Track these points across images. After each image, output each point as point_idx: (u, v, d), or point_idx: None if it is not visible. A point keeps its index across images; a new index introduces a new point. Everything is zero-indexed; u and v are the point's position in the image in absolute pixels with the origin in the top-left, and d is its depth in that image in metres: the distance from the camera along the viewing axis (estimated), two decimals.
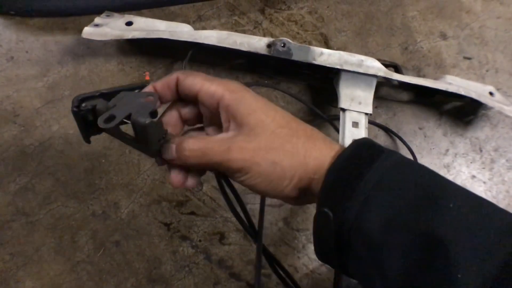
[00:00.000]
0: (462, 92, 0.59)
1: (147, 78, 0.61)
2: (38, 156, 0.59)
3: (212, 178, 0.60)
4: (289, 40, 0.55)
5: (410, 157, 0.63)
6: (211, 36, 0.55)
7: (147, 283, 0.57)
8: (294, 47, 0.55)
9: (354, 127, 0.57)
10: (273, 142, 0.29)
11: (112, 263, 0.57)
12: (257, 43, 0.56)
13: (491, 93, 0.64)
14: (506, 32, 0.73)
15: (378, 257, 0.25)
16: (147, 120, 0.29)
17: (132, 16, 0.59)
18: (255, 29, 0.64)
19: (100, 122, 0.30)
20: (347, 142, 0.55)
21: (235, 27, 0.64)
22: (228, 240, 0.58)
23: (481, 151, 0.68)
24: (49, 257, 0.57)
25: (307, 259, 0.60)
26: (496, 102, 0.62)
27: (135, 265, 0.58)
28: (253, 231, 0.40)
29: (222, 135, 0.31)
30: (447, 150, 0.66)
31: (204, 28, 0.63)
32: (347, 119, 0.58)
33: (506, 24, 0.74)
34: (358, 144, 0.29)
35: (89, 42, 0.62)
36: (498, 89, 0.65)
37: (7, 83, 0.61)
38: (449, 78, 0.61)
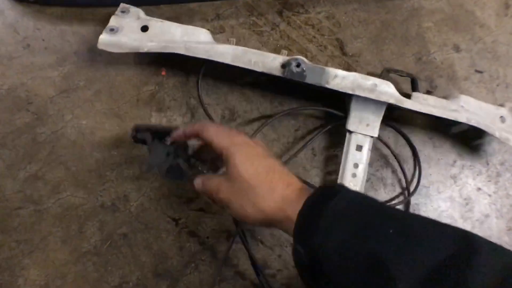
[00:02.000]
0: (472, 122, 0.59)
1: (163, 73, 0.61)
2: (50, 145, 0.59)
3: None
4: (304, 59, 0.55)
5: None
6: (226, 53, 0.55)
7: (152, 277, 0.57)
8: (308, 68, 0.55)
9: (357, 150, 0.59)
10: (243, 190, 0.41)
11: (118, 256, 0.57)
12: (271, 63, 0.55)
13: (502, 117, 0.63)
14: None
15: (338, 279, 0.32)
16: (164, 175, 0.50)
17: (147, 18, 0.58)
18: (272, 31, 0.64)
19: (144, 169, 0.56)
20: (349, 166, 0.58)
21: (253, 28, 0.64)
22: (235, 239, 0.58)
23: (487, 164, 0.68)
24: (55, 246, 0.57)
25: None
26: (504, 132, 0.62)
27: (142, 258, 0.57)
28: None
29: (220, 177, 0.44)
30: (455, 162, 0.66)
31: (222, 28, 0.63)
32: (352, 141, 0.59)
33: None
34: (320, 189, 0.38)
35: None
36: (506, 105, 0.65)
37: (22, 70, 0.61)
38: (463, 99, 0.61)
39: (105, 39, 0.56)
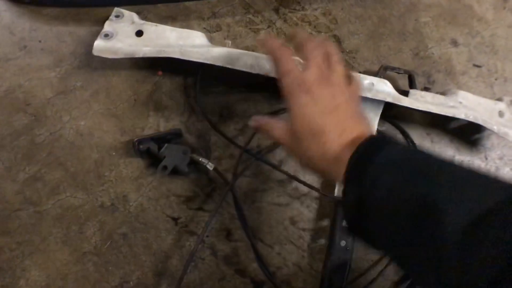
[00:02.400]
0: (470, 118, 0.59)
1: (160, 73, 0.61)
2: (48, 146, 0.59)
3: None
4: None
5: None
6: (222, 56, 0.55)
7: (153, 276, 0.57)
8: None
9: None
10: (300, 149, 0.41)
11: (118, 255, 0.57)
12: (267, 64, 0.55)
13: (500, 112, 0.63)
14: None
15: (386, 222, 0.33)
16: (186, 169, 0.57)
17: (142, 23, 0.58)
18: (269, 28, 0.64)
19: (158, 171, 0.56)
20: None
21: (249, 25, 0.64)
22: (234, 237, 0.58)
23: (486, 159, 0.68)
24: (55, 247, 0.57)
25: (311, 258, 0.60)
26: (503, 126, 0.62)
27: (142, 258, 0.57)
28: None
29: (282, 127, 0.44)
30: (453, 156, 0.66)
31: (218, 26, 0.63)
32: None
33: None
34: (372, 138, 0.38)
35: None
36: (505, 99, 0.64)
37: (19, 72, 0.61)
38: (461, 95, 0.61)
39: (99, 45, 0.56)
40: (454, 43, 0.70)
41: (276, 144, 0.61)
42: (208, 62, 0.54)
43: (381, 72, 0.60)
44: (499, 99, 0.65)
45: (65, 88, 0.61)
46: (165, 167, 0.56)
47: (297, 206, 0.61)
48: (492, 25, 0.72)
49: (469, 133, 0.66)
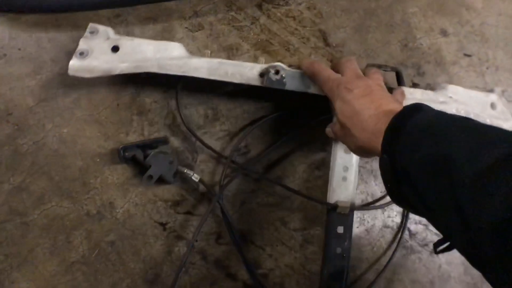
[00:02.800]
0: (462, 113, 0.58)
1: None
2: (32, 155, 0.58)
3: (207, 175, 0.59)
4: (282, 65, 0.53)
5: None
6: (201, 67, 0.53)
7: (142, 283, 0.56)
8: (288, 74, 0.54)
9: (346, 152, 0.57)
10: (347, 134, 0.47)
11: (107, 264, 0.56)
12: (249, 72, 0.54)
13: (492, 104, 0.62)
14: (506, 29, 0.71)
15: (416, 181, 0.36)
16: (172, 179, 0.56)
17: (117, 38, 0.56)
18: (253, 25, 0.63)
19: (144, 181, 0.55)
20: (338, 169, 0.56)
21: (232, 23, 0.62)
22: (224, 240, 0.57)
23: None
24: (43, 258, 0.56)
25: (304, 259, 0.59)
26: (495, 118, 0.61)
27: (131, 265, 0.56)
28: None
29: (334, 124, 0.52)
30: None
31: (200, 25, 0.62)
32: (339, 145, 0.57)
33: (507, 21, 0.72)
34: (405, 108, 0.41)
35: None
36: (498, 89, 0.63)
37: (0, 81, 0.59)
38: (451, 89, 0.59)
39: (75, 65, 0.54)
40: (444, 32, 0.68)
41: (262, 153, 0.60)
42: (187, 75, 0.53)
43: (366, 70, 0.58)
44: (491, 91, 0.63)
45: (47, 95, 0.60)
46: (150, 177, 0.54)
47: (287, 205, 0.60)
48: (482, 13, 0.71)
49: None
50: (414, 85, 0.62)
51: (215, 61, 0.54)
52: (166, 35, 0.61)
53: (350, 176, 0.57)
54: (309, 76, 0.53)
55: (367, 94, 0.46)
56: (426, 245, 0.63)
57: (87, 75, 0.54)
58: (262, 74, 0.53)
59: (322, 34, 0.64)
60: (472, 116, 0.58)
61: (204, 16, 0.62)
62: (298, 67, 0.55)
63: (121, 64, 0.54)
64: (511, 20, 0.72)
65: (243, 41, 0.62)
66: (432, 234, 0.64)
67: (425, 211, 0.37)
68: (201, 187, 0.58)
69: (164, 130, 0.59)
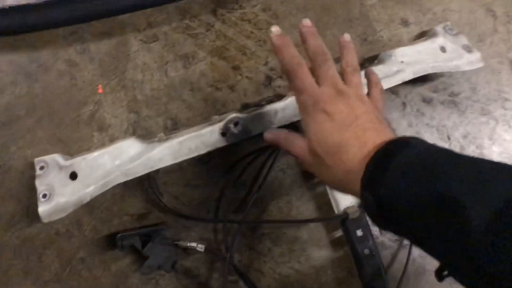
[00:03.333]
0: (420, 73, 0.59)
1: (100, 91, 0.60)
2: None
3: (173, 187, 0.59)
4: (237, 114, 0.53)
5: None
6: (165, 156, 0.52)
7: None
8: (247, 120, 0.53)
9: None
10: (322, 168, 0.41)
11: (79, 280, 0.57)
12: (211, 138, 0.53)
13: (442, 48, 0.63)
14: (471, 14, 0.70)
15: (408, 221, 0.34)
16: (170, 271, 0.57)
17: (69, 163, 0.54)
18: (208, 32, 0.63)
19: (143, 272, 0.56)
20: None
21: (187, 31, 0.62)
22: (193, 250, 0.57)
23: (449, 139, 0.66)
24: (18, 279, 0.57)
25: (273, 262, 0.60)
26: (450, 61, 0.62)
27: (102, 280, 0.57)
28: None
29: (302, 148, 0.44)
30: None
31: (155, 36, 0.62)
32: None
33: (471, 5, 0.71)
34: (389, 143, 0.37)
35: (40, 59, 0.61)
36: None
37: None
38: (398, 53, 0.60)
39: (45, 211, 0.52)
40: (405, 23, 0.68)
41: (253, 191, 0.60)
42: (154, 169, 0.52)
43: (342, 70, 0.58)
44: (433, 34, 0.64)
45: (9, 118, 0.60)
46: (149, 267, 0.55)
47: (253, 211, 0.60)
48: None
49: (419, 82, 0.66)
50: (361, 67, 0.62)
51: (175, 142, 0.53)
52: (122, 49, 0.61)
53: None
54: (281, 67, 0.45)
55: (351, 124, 0.40)
56: (398, 240, 0.63)
57: (61, 215, 0.52)
58: (224, 133, 0.53)
59: None
60: (430, 71, 0.60)
61: (158, 26, 0.62)
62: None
63: (87, 190, 0.52)
64: (475, 4, 0.71)
65: (198, 48, 0.62)
66: None
67: (417, 244, 0.36)
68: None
69: (126, 142, 0.59)
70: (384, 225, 0.37)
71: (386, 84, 0.57)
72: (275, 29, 0.46)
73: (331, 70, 0.43)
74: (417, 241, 0.36)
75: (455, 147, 0.67)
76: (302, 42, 0.47)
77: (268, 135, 0.48)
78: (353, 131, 0.39)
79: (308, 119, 0.41)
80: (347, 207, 0.57)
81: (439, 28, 0.65)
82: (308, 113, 0.41)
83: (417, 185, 0.33)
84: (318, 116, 0.40)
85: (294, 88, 0.44)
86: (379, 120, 0.41)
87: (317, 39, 0.46)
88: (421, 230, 0.33)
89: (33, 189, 0.59)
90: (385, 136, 0.39)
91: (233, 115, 0.53)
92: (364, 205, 0.37)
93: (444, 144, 0.66)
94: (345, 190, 0.41)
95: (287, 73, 0.45)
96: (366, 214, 0.40)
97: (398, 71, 0.59)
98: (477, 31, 0.70)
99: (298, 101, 0.43)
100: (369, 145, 0.38)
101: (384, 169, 0.35)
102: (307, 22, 0.48)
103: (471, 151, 0.67)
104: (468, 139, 0.67)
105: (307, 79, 0.43)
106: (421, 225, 0.33)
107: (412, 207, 0.33)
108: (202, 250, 0.56)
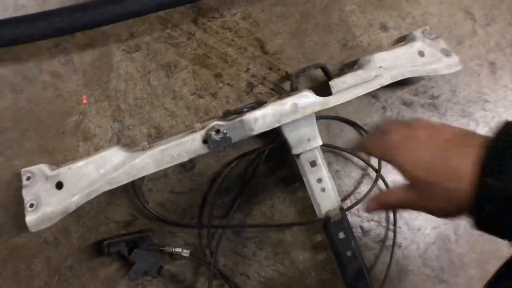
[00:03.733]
0: (398, 78, 0.61)
1: (84, 102, 0.61)
2: None
3: (158, 194, 0.61)
4: (218, 122, 0.55)
5: None
6: (148, 164, 0.54)
7: None
8: (228, 128, 0.54)
9: (313, 166, 0.59)
10: (428, 192, 0.38)
11: None
12: (193, 145, 0.54)
13: (420, 52, 0.65)
14: (450, 17, 0.72)
15: None
16: (156, 276, 0.59)
17: (55, 173, 0.55)
18: (189, 41, 0.64)
19: (129, 278, 0.59)
20: (314, 184, 0.59)
21: (169, 40, 0.64)
22: (178, 255, 0.59)
23: None
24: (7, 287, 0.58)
25: (258, 266, 0.61)
26: (428, 65, 0.64)
27: (91, 287, 0.59)
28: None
29: (397, 188, 0.43)
30: None
31: (137, 46, 0.63)
32: (304, 162, 0.60)
33: (450, 9, 0.72)
34: (505, 127, 0.35)
35: (25, 71, 0.62)
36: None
37: None
38: (377, 59, 0.62)
39: (32, 220, 0.54)
40: (384, 27, 0.69)
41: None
42: (137, 177, 0.54)
43: (294, 81, 0.60)
44: (412, 38, 0.66)
45: None
46: (135, 273, 0.58)
47: (237, 216, 0.61)
48: (422, 3, 0.72)
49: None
50: (341, 72, 0.63)
51: (157, 151, 0.54)
52: (105, 59, 0.63)
53: (327, 184, 0.60)
54: (363, 152, 0.48)
55: (436, 133, 0.39)
56: (381, 241, 0.65)
57: (48, 224, 0.54)
58: (205, 140, 0.54)
59: (259, 42, 0.65)
60: (408, 75, 0.62)
61: (140, 36, 0.64)
62: None
63: (73, 199, 0.54)
64: (453, 7, 0.72)
65: (180, 57, 0.64)
66: (386, 231, 0.65)
67: None
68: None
69: (111, 151, 0.61)
70: (499, 219, 0.33)
71: (365, 89, 0.59)
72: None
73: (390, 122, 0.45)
74: None
75: None
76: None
77: (369, 209, 0.47)
78: (441, 135, 0.38)
79: (395, 153, 0.40)
80: (329, 210, 0.58)
81: (417, 33, 0.67)
82: (391, 153, 0.41)
83: None
84: (402, 146, 0.40)
85: (370, 150, 0.45)
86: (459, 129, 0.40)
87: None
88: None
89: (20, 199, 0.60)
90: (477, 134, 0.37)
91: (214, 123, 0.54)
92: (480, 199, 0.33)
93: None
94: (455, 203, 0.37)
95: (362, 150, 0.47)
96: (472, 216, 0.35)
97: (376, 76, 0.60)
98: (456, 34, 0.72)
99: (376, 152, 0.45)
100: (468, 140, 0.36)
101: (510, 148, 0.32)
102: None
103: None
104: None
105: (370, 136, 0.45)
106: None
107: None
108: (187, 255, 0.58)
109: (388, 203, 0.44)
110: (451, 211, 0.37)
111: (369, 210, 0.46)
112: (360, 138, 0.47)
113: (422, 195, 0.39)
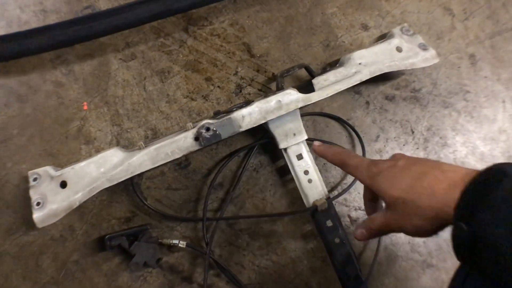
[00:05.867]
0: (376, 73, 0.68)
1: (85, 108, 0.69)
2: None
3: (155, 191, 0.68)
4: (208, 121, 0.62)
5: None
6: (144, 161, 0.62)
7: None
8: (217, 125, 0.62)
9: (299, 159, 0.67)
10: (405, 210, 0.43)
11: (74, 281, 0.66)
12: (185, 143, 0.62)
13: (398, 49, 0.72)
14: (429, 14, 0.79)
15: (506, 259, 0.34)
16: (155, 266, 0.66)
17: (59, 173, 0.63)
18: (181, 48, 0.72)
19: (130, 270, 0.66)
20: (301, 176, 0.66)
21: (162, 49, 0.72)
22: (176, 247, 0.66)
23: (413, 132, 0.74)
24: (18, 283, 0.66)
25: (252, 255, 0.68)
26: (406, 59, 0.71)
27: (95, 280, 0.66)
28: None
29: (378, 213, 0.49)
30: (378, 136, 0.73)
31: (133, 55, 0.71)
32: (291, 155, 0.67)
33: (428, 6, 0.79)
34: (486, 171, 0.39)
35: (29, 81, 0.71)
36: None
37: None
38: (357, 56, 0.69)
39: (39, 217, 0.62)
40: (365, 27, 0.77)
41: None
42: (135, 174, 0.62)
43: (280, 81, 0.67)
44: (390, 36, 0.74)
45: (4, 137, 0.70)
46: (136, 264, 0.65)
47: (229, 209, 0.68)
48: (401, 2, 0.79)
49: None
50: (323, 70, 0.70)
51: (152, 149, 0.62)
52: (103, 68, 0.71)
53: (313, 175, 0.67)
54: (335, 164, 0.56)
55: (415, 162, 0.45)
56: None
57: (54, 220, 0.62)
58: (197, 138, 0.62)
59: (246, 46, 0.73)
60: (386, 70, 0.69)
61: (136, 46, 0.72)
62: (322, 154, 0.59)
63: (76, 196, 0.62)
64: (432, 4, 0.80)
65: (173, 64, 0.72)
66: None
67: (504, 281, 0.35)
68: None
69: (113, 153, 0.69)
70: (469, 260, 0.37)
71: (345, 84, 0.66)
72: (316, 142, 0.61)
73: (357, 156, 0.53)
74: (498, 277, 0.35)
75: (419, 140, 0.75)
76: (323, 157, 0.59)
77: (359, 236, 0.51)
78: (421, 164, 0.44)
79: (375, 180, 0.46)
80: (316, 200, 0.65)
81: (396, 30, 0.74)
82: (373, 176, 0.47)
83: None
84: (383, 170, 0.46)
85: (351, 169, 0.51)
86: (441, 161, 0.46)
87: (331, 147, 0.58)
88: None
89: (28, 201, 0.68)
90: (457, 166, 0.42)
91: (204, 121, 0.62)
92: (454, 236, 0.37)
93: (408, 138, 0.74)
94: (438, 220, 0.41)
95: (338, 165, 0.54)
96: (453, 248, 0.39)
97: (356, 72, 0.68)
98: (435, 30, 0.79)
99: (360, 177, 0.50)
100: (450, 170, 0.41)
101: (485, 196, 0.35)
102: (317, 143, 0.61)
103: (435, 142, 0.75)
104: (432, 131, 0.75)
105: (356, 157, 0.52)
106: None
107: (509, 242, 0.33)
108: (184, 246, 0.65)
109: (373, 228, 0.48)
110: (425, 227, 0.42)
111: (359, 238, 0.50)
112: (345, 154, 0.54)
113: (398, 214, 0.44)
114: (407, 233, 0.44)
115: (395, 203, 0.43)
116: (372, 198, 0.52)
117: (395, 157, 0.48)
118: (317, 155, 0.59)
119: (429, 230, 0.42)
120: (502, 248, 0.33)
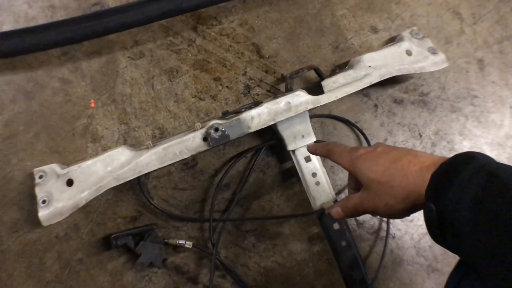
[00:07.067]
0: (386, 76, 0.69)
1: (92, 106, 0.70)
2: (2, 189, 0.69)
3: (162, 191, 0.69)
4: (217, 121, 0.63)
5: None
6: (152, 161, 0.62)
7: None
8: (226, 126, 0.63)
9: (307, 162, 0.68)
10: (380, 191, 0.47)
11: (78, 280, 0.67)
12: (193, 143, 0.63)
13: (407, 51, 0.73)
14: (438, 17, 0.80)
15: (469, 234, 0.37)
16: (161, 266, 0.67)
17: (65, 171, 0.63)
18: (190, 47, 0.73)
19: (136, 269, 0.67)
20: (309, 179, 0.67)
21: (170, 47, 0.73)
22: (182, 248, 0.67)
23: (420, 136, 0.76)
24: (21, 281, 0.67)
25: (258, 257, 0.69)
26: (415, 63, 0.72)
27: (100, 279, 0.67)
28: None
29: (355, 194, 0.51)
30: (386, 140, 0.74)
31: (141, 53, 0.72)
32: (299, 157, 0.68)
33: (438, 9, 0.81)
34: (455, 157, 0.42)
35: (36, 78, 0.71)
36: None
37: None
38: (366, 59, 0.71)
39: (45, 215, 0.63)
40: (374, 30, 0.78)
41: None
42: (142, 174, 0.63)
43: (289, 82, 0.68)
44: (400, 39, 0.75)
45: (10, 133, 0.71)
46: (141, 263, 0.66)
47: (237, 210, 0.69)
48: (411, 5, 0.80)
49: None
50: (333, 73, 0.71)
51: (160, 148, 0.63)
52: (111, 66, 0.72)
53: (321, 178, 0.68)
54: (323, 156, 0.58)
55: (392, 149, 0.48)
56: (375, 232, 0.73)
57: (59, 218, 0.63)
58: (205, 138, 0.63)
59: (256, 47, 0.74)
60: (396, 74, 0.69)
61: (144, 44, 0.73)
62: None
63: (82, 195, 0.63)
64: (442, 7, 0.81)
65: (182, 63, 0.73)
66: (379, 222, 0.73)
67: (478, 266, 0.38)
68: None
69: (119, 151, 0.70)
70: (441, 240, 0.40)
71: (355, 87, 0.68)
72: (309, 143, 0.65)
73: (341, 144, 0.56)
74: (476, 262, 0.38)
75: (427, 144, 0.76)
76: (315, 154, 0.61)
77: (335, 216, 0.54)
78: (397, 151, 0.47)
79: (355, 165, 0.50)
80: (323, 203, 0.66)
81: (405, 33, 0.76)
82: (354, 161, 0.50)
83: (483, 195, 0.36)
84: (362, 156, 0.49)
85: (335, 157, 0.54)
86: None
87: (321, 145, 0.59)
88: (484, 250, 0.35)
89: (33, 198, 0.69)
90: (431, 154, 0.46)
91: (213, 122, 0.63)
92: (426, 216, 0.41)
93: (416, 141, 0.76)
94: (411, 199, 0.44)
95: (326, 155, 0.57)
96: (426, 228, 0.42)
97: (366, 75, 0.69)
98: (444, 34, 0.81)
99: (344, 163, 0.52)
100: (421, 154, 0.45)
101: (451, 178, 0.38)
102: (309, 144, 0.65)
103: (442, 146, 0.77)
104: (439, 136, 0.77)
105: (341, 146, 0.55)
106: (481, 236, 0.35)
107: (476, 217, 0.35)
108: (190, 246, 0.66)
109: (348, 207, 0.51)
110: (397, 207, 0.45)
111: (334, 216, 0.53)
112: (331, 144, 0.57)
113: (373, 194, 0.47)
114: (380, 213, 0.48)
115: (371, 184, 0.47)
116: (355, 186, 0.53)
117: (375, 145, 0.52)
118: (311, 153, 0.62)
119: (401, 210, 0.45)
120: (464, 227, 0.36)
